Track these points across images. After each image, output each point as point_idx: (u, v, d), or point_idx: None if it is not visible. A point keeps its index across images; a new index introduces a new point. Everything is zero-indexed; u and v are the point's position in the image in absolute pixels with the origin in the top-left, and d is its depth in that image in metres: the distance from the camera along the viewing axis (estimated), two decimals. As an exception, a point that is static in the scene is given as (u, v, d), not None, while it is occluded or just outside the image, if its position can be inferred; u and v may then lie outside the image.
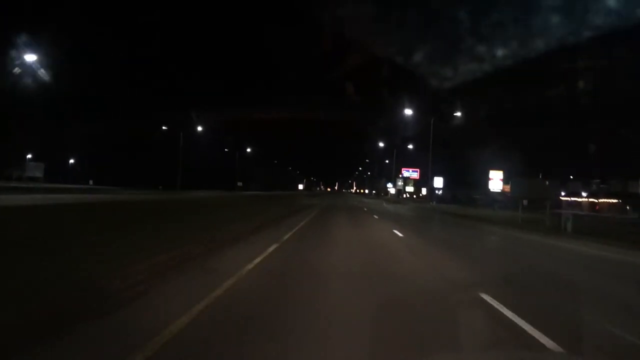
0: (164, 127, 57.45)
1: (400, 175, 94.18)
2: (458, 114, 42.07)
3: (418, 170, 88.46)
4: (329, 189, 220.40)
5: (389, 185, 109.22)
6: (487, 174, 72.85)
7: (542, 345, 3.95)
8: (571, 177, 74.07)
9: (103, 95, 70.48)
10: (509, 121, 67.15)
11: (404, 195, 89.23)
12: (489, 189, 60.91)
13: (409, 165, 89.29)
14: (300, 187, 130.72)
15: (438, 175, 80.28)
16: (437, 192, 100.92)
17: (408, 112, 46.24)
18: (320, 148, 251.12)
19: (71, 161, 77.43)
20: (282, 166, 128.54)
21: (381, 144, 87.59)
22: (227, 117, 67.34)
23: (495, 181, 60.10)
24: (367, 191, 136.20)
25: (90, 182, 46.28)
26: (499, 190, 60.60)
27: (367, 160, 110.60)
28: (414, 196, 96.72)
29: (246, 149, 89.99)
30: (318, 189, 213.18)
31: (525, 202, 62.30)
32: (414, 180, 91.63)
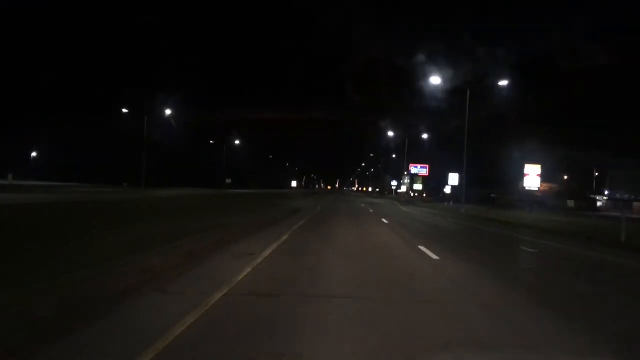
0: (125, 110, 45.47)
1: (406, 173, 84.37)
2: (504, 82, 30.17)
3: (427, 166, 77.22)
4: (329, 187, 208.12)
5: (394, 183, 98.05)
6: (511, 170, 62.69)
7: None
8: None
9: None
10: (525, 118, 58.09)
11: (412, 194, 77.59)
12: (523, 187, 49.31)
13: (416, 161, 77.92)
14: (294, 184, 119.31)
15: (452, 171, 70.74)
16: (444, 190, 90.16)
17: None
18: (321, 146, 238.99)
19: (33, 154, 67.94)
20: (280, 163, 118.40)
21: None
22: (227, 116, 63.36)
23: (532, 177, 48.36)
24: (370, 189, 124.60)
25: (10, 176, 34.66)
26: (536, 188, 48.95)
27: (371, 155, 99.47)
28: (424, 195, 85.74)
29: (238, 143, 79.00)
30: (317, 187, 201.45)
31: (571, 203, 50.84)
32: (423, 177, 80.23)
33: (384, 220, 17.26)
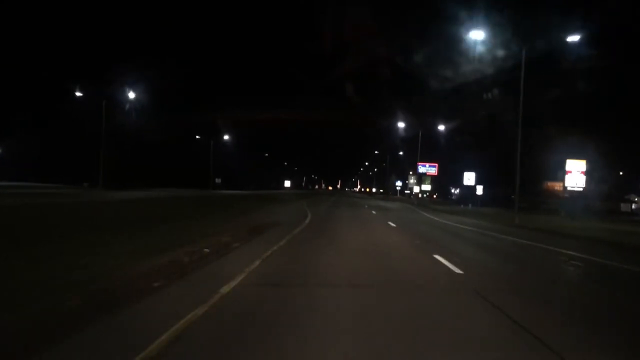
0: (78, 94, 36.19)
1: (411, 173, 75.20)
2: (575, 37, 21.08)
3: (436, 165, 67.91)
4: (330, 188, 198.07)
5: (398, 183, 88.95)
6: (530, 167, 54.16)
7: None
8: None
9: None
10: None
11: (419, 195, 68.53)
12: (565, 187, 39.96)
13: (423, 159, 68.95)
14: (287, 184, 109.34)
15: (469, 170, 62.23)
16: (453, 191, 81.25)
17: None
18: (323, 146, 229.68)
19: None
20: (278, 163, 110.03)
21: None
22: (225, 116, 60.23)
23: (575, 175, 38.91)
24: (374, 190, 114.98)
25: None
26: (581, 188, 39.46)
27: (376, 152, 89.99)
28: (434, 196, 76.80)
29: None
30: (317, 187, 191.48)
31: (626, 206, 41.45)
32: (432, 176, 70.90)
33: (441, 259, 7.61)
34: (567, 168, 38.98)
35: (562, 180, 46.35)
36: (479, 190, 40.21)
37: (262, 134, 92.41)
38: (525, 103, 22.59)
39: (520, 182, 57.06)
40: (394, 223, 15.86)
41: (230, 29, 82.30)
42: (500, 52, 28.34)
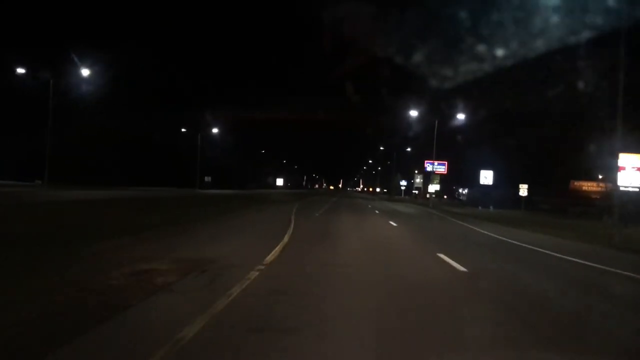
0: (17, 70, 29.01)
1: (416, 172, 68.29)
2: None
3: (446, 163, 61.41)
4: (331, 187, 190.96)
5: (403, 182, 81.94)
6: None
7: None
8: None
9: None
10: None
11: (427, 196, 62.07)
12: (617, 186, 32.33)
13: (430, 157, 62.77)
14: (280, 182, 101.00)
15: (486, 167, 56.01)
16: (460, 191, 74.26)
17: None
18: (324, 145, 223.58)
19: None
20: (277, 162, 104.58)
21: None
22: (224, 114, 59.44)
23: (629, 172, 31.23)
24: (377, 189, 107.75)
25: None
26: (637, 188, 31.79)
27: (381, 148, 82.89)
28: (444, 196, 69.92)
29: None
30: (316, 186, 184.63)
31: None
32: (441, 175, 64.11)
33: None
34: (620, 164, 31.23)
35: (605, 178, 39.15)
36: (523, 190, 32.44)
37: (262, 133, 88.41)
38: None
39: (545, 182, 48.56)
40: (447, 256, 7.86)
41: (230, 28, 78.67)
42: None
